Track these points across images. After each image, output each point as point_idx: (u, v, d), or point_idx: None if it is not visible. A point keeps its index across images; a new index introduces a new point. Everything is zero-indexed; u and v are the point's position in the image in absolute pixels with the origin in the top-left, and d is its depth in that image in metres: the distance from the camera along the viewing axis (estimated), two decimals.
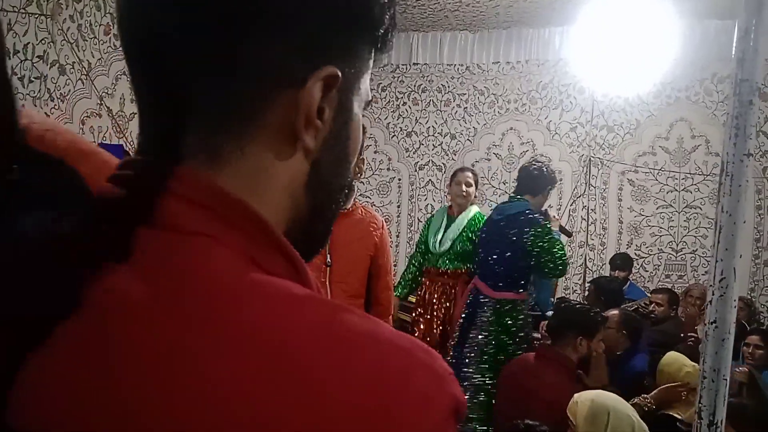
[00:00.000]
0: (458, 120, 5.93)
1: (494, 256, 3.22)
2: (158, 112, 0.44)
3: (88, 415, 0.35)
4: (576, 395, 2.09)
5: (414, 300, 3.85)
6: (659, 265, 5.39)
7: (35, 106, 3.64)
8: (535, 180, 3.30)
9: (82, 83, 4.02)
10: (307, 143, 0.43)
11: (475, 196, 3.69)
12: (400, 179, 6.12)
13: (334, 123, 0.45)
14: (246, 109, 0.42)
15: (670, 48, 5.04)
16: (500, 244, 3.21)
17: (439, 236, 3.60)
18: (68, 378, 0.36)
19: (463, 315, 3.31)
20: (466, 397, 3.02)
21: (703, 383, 1.15)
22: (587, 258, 5.51)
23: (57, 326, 0.37)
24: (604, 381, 2.71)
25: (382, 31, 0.46)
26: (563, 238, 3.47)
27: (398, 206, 6.11)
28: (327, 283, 2.10)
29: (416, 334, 3.55)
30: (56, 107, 3.83)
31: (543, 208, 3.41)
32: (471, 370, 3.12)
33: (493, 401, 2.90)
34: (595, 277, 5.10)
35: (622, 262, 4.84)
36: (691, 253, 5.32)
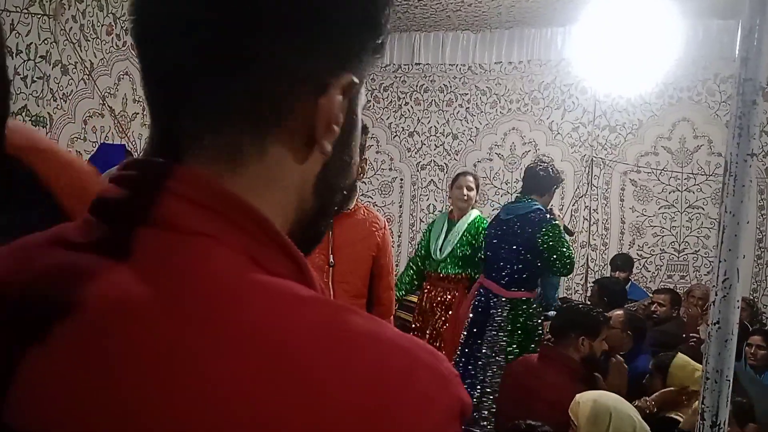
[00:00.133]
0: (460, 120, 5.93)
1: (505, 255, 3.25)
2: (174, 113, 0.43)
3: (87, 415, 0.34)
4: (578, 395, 2.09)
5: (415, 300, 3.85)
6: (661, 266, 5.38)
7: (38, 106, 3.64)
8: (541, 180, 3.33)
9: (85, 83, 4.03)
10: (325, 148, 0.44)
11: (476, 201, 3.69)
12: (402, 179, 6.12)
13: (343, 127, 0.46)
14: (271, 112, 0.42)
15: (673, 48, 5.03)
16: (512, 243, 3.24)
17: (440, 241, 3.61)
18: (67, 377, 0.36)
19: (471, 315, 3.32)
20: (488, 397, 3.04)
21: (705, 384, 1.15)
22: (589, 258, 5.50)
23: (55, 325, 0.37)
24: (623, 389, 2.68)
25: (383, 38, 0.47)
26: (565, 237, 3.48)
27: (400, 206, 6.11)
28: (330, 283, 2.11)
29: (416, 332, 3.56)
30: (59, 107, 3.83)
31: (548, 207, 3.43)
32: (492, 370, 3.13)
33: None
34: (597, 277, 5.10)
35: (622, 262, 4.83)
36: (693, 253, 5.31)
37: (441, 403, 0.37)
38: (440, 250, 3.59)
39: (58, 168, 0.62)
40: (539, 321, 3.24)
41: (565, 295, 5.22)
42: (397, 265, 4.62)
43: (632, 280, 4.94)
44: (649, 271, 5.39)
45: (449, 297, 3.56)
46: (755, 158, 1.14)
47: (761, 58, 1.13)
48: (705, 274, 5.14)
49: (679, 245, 5.34)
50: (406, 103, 6.07)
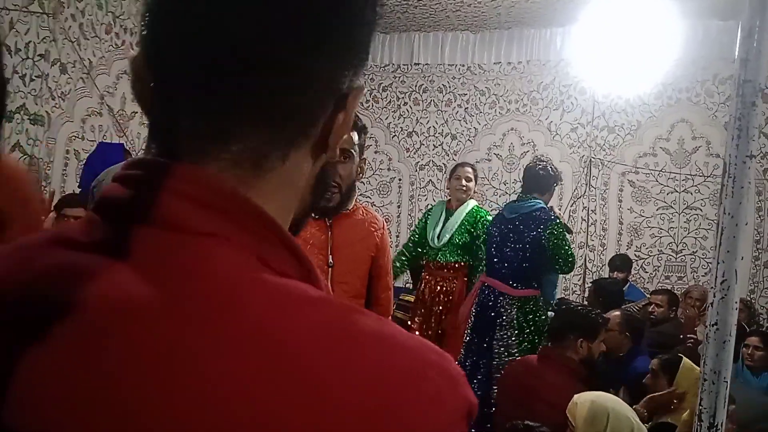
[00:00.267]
0: (459, 120, 5.93)
1: (512, 254, 3.28)
2: (194, 117, 0.42)
3: (87, 415, 0.34)
4: (576, 396, 2.09)
5: (412, 299, 3.85)
6: (659, 266, 5.38)
7: (36, 104, 3.64)
8: (541, 179, 3.37)
9: (83, 82, 4.02)
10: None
11: (474, 191, 3.69)
12: (400, 179, 6.12)
13: None
14: (301, 122, 0.44)
15: (671, 49, 5.04)
16: (518, 242, 3.28)
17: (438, 229, 3.62)
18: (67, 377, 0.35)
19: (475, 313, 3.34)
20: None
21: (703, 386, 1.15)
22: (587, 259, 5.50)
23: (55, 325, 0.36)
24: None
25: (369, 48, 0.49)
26: None
27: (398, 206, 6.11)
28: (329, 283, 2.11)
29: (414, 327, 3.56)
30: (57, 106, 3.83)
31: (550, 205, 3.46)
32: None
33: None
34: (595, 278, 5.11)
35: (621, 263, 4.83)
36: (691, 254, 5.31)
37: (450, 404, 0.38)
38: (438, 237, 3.59)
39: None
40: (546, 317, 3.27)
41: (562, 295, 5.22)
42: None
43: (630, 281, 4.94)
44: (647, 272, 5.39)
45: (449, 286, 3.56)
46: (754, 160, 1.14)
47: (761, 60, 1.13)
48: (703, 275, 5.15)
49: (677, 246, 5.35)
50: (405, 103, 6.07)
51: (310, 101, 0.44)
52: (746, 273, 4.93)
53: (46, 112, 3.73)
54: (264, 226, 0.41)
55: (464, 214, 3.58)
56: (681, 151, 5.35)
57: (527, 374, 2.57)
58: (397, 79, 6.08)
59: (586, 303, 4.24)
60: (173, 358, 0.35)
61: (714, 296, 1.14)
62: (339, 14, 0.43)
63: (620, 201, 5.49)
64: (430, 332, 3.51)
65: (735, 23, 4.56)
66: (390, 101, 6.10)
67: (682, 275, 5.31)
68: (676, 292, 4.58)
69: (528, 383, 2.51)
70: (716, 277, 1.14)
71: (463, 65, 5.88)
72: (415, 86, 6.03)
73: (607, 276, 4.86)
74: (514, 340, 3.19)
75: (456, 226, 3.56)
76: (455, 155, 5.92)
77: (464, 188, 3.61)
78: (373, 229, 1.96)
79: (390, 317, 2.86)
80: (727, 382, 1.14)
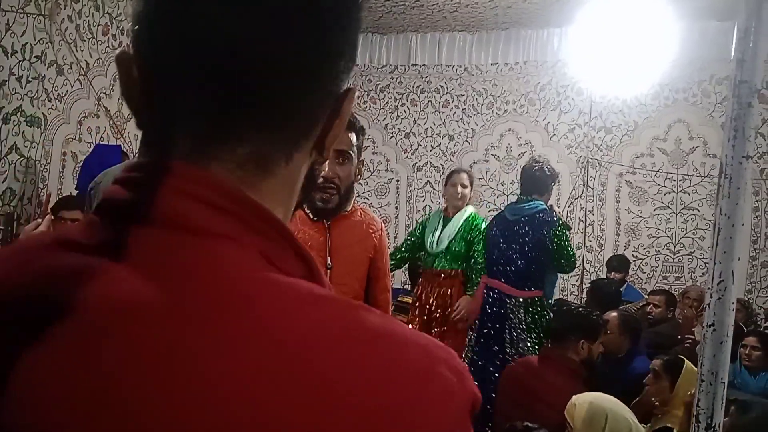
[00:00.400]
0: (456, 121, 5.93)
1: (516, 256, 3.32)
2: (200, 120, 0.42)
3: (87, 416, 0.34)
4: (574, 397, 2.09)
5: (410, 301, 3.86)
6: (657, 267, 5.39)
7: (33, 106, 3.63)
8: (538, 179, 3.41)
9: (80, 84, 4.02)
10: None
11: (470, 198, 3.71)
12: (398, 180, 6.12)
13: None
14: (305, 122, 0.45)
15: (668, 49, 5.05)
16: (523, 244, 3.31)
17: (436, 235, 3.63)
18: (67, 378, 0.35)
19: (481, 315, 3.35)
20: None
21: (701, 386, 1.15)
22: (585, 259, 5.51)
23: (54, 326, 0.36)
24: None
25: None
26: None
27: (396, 207, 6.11)
28: None
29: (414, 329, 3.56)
30: (54, 107, 3.82)
31: (549, 204, 3.49)
32: None
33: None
34: (592, 278, 5.11)
35: (618, 263, 4.84)
36: (688, 254, 5.32)
37: (459, 398, 0.38)
38: (436, 243, 3.61)
39: None
40: (551, 317, 3.28)
41: (560, 296, 5.23)
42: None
43: (628, 281, 4.95)
44: (645, 273, 5.40)
45: (444, 292, 3.56)
46: (750, 160, 1.14)
47: (757, 61, 1.13)
48: (700, 276, 5.16)
49: (675, 246, 5.36)
50: (403, 104, 6.07)
51: (313, 103, 0.44)
52: (743, 273, 4.94)
53: (43, 113, 3.72)
54: (269, 227, 0.42)
55: (461, 221, 3.60)
56: (678, 151, 5.36)
57: (528, 375, 2.57)
58: (395, 80, 6.08)
59: (584, 304, 4.24)
60: (174, 358, 0.35)
61: (711, 297, 1.14)
62: (338, 16, 0.44)
63: (618, 201, 5.49)
64: (431, 334, 3.52)
65: (731, 24, 4.57)
66: (387, 102, 6.10)
67: (680, 275, 5.32)
68: (673, 292, 4.59)
69: (528, 384, 2.51)
70: (713, 277, 1.14)
71: (461, 66, 5.88)
72: (413, 87, 6.04)
73: (604, 277, 4.87)
74: (524, 342, 3.23)
75: (453, 234, 3.58)
76: (453, 156, 5.92)
77: (460, 195, 3.63)
78: (371, 231, 1.95)
79: None
80: (724, 382, 1.14)
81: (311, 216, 1.88)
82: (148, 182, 0.41)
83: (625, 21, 4.70)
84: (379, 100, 6.10)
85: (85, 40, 4.03)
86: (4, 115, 3.44)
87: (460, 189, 3.63)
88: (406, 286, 5.19)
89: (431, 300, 3.59)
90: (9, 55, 3.42)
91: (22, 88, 3.54)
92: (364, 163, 2.11)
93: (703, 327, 1.17)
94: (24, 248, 0.44)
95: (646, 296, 4.60)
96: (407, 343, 0.38)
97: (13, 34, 3.43)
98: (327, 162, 0.52)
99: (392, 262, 3.67)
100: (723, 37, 4.96)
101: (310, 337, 0.36)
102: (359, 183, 5.79)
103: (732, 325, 1.15)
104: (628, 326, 3.21)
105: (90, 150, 3.95)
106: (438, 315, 3.56)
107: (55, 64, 3.78)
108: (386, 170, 6.12)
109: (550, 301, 3.54)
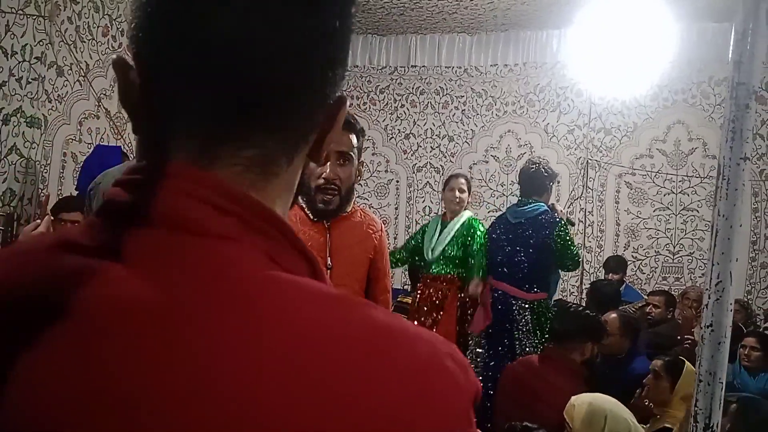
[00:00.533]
0: (456, 122, 5.93)
1: (521, 258, 3.34)
2: (205, 123, 0.42)
3: (86, 416, 0.34)
4: (573, 398, 2.08)
5: (410, 301, 3.86)
6: (656, 268, 5.39)
7: (33, 107, 3.63)
8: (537, 180, 3.43)
9: (80, 85, 4.02)
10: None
11: (468, 202, 3.72)
12: (398, 181, 6.12)
13: None
14: (306, 126, 0.46)
15: (667, 51, 5.05)
16: (527, 246, 3.33)
17: (433, 242, 3.65)
18: (66, 378, 0.35)
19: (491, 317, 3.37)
20: None
21: (699, 387, 1.15)
22: (584, 260, 5.51)
23: (54, 326, 0.36)
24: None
25: None
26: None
27: (396, 208, 6.12)
28: None
29: None
30: (54, 108, 3.82)
31: (550, 203, 3.51)
32: None
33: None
34: (592, 279, 5.11)
35: (616, 264, 4.83)
36: (687, 255, 5.32)
37: (465, 389, 0.39)
38: (431, 250, 3.62)
39: None
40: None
41: (560, 296, 5.23)
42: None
43: (627, 282, 4.95)
44: (644, 273, 5.40)
45: (440, 297, 3.57)
46: (748, 161, 1.14)
47: (754, 62, 1.13)
48: (699, 276, 5.16)
49: (674, 247, 5.36)
50: (402, 106, 6.08)
51: (313, 106, 0.45)
52: (743, 274, 4.94)
53: (43, 114, 3.72)
54: (272, 226, 0.42)
55: (457, 226, 3.62)
56: (677, 152, 5.36)
57: (528, 374, 2.56)
58: (394, 81, 6.08)
59: (583, 305, 4.24)
60: (174, 357, 0.35)
61: (709, 298, 1.15)
62: (336, 18, 0.44)
63: (617, 202, 5.50)
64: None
65: (730, 25, 4.57)
66: (387, 103, 6.10)
67: (679, 276, 5.33)
68: (673, 293, 4.60)
69: (529, 384, 2.50)
70: (711, 278, 1.14)
71: (460, 67, 5.89)
72: (412, 88, 6.04)
73: (603, 278, 4.87)
74: (531, 344, 3.25)
75: (448, 239, 3.60)
76: (452, 157, 5.92)
77: (458, 200, 3.65)
78: (371, 232, 1.96)
79: None
80: (722, 383, 1.14)
81: (311, 217, 1.88)
82: (149, 184, 0.41)
83: (623, 22, 4.70)
84: (379, 102, 6.11)
85: (85, 42, 4.03)
86: (4, 116, 3.44)
87: (458, 194, 3.65)
88: (406, 287, 5.19)
89: (428, 305, 3.61)
90: (9, 56, 3.42)
91: (22, 89, 3.55)
92: (364, 164, 2.11)
93: (702, 328, 1.17)
94: (24, 249, 0.44)
95: (645, 297, 4.60)
96: (415, 339, 0.39)
97: (13, 36, 3.44)
98: (328, 164, 0.53)
99: (391, 261, 3.68)
100: (721, 39, 4.97)
101: (314, 335, 0.36)
102: (359, 184, 5.79)
103: (730, 325, 1.15)
104: (628, 327, 3.21)
105: (90, 151, 3.95)
106: (432, 319, 3.56)
107: (55, 66, 3.78)
108: (386, 171, 6.13)
109: (551, 302, 3.55)
